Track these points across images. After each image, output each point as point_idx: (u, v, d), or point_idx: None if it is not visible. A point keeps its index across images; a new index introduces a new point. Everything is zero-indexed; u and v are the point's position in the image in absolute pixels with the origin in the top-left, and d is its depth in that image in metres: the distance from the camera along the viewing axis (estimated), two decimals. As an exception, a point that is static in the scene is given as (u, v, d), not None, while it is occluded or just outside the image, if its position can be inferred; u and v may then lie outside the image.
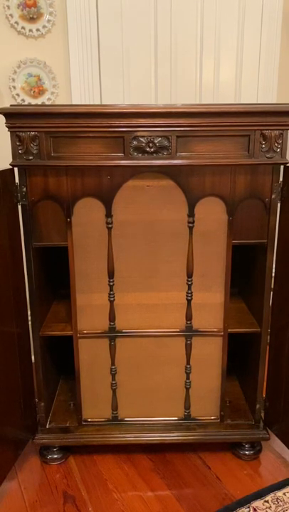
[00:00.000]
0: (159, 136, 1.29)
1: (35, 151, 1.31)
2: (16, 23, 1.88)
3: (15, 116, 1.28)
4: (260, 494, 1.44)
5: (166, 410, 1.60)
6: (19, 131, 1.29)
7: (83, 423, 1.60)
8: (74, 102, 2.00)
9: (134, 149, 1.30)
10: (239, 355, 1.80)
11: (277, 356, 1.54)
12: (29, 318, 1.51)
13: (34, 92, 1.96)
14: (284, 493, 1.45)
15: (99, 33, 1.99)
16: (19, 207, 1.39)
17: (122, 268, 1.45)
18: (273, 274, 1.49)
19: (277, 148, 1.32)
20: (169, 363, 1.55)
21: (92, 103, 2.02)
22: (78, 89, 1.99)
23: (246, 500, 1.42)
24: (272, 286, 1.50)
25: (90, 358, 1.54)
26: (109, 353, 1.53)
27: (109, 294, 1.47)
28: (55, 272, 1.73)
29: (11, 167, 1.35)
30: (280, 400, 1.55)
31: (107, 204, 1.38)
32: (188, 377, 1.56)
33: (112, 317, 1.50)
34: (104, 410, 1.60)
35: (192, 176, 1.36)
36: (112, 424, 1.60)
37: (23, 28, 1.89)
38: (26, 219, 1.39)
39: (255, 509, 1.39)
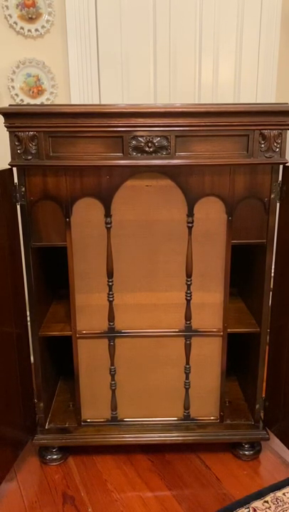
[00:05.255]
0: (158, 136, 1.29)
1: (34, 151, 1.30)
2: (15, 23, 1.88)
3: (14, 116, 1.27)
4: (259, 494, 1.44)
5: (166, 410, 1.60)
6: (18, 131, 1.28)
7: (82, 423, 1.60)
8: (73, 102, 2.00)
9: (133, 149, 1.30)
10: (239, 355, 1.79)
11: (277, 356, 1.54)
12: (28, 318, 1.51)
13: (33, 92, 1.96)
14: (284, 494, 1.44)
15: (98, 33, 1.99)
16: (18, 207, 1.39)
17: (121, 268, 1.45)
18: (272, 274, 1.49)
19: (276, 147, 1.32)
20: (169, 363, 1.54)
21: (91, 103, 2.02)
22: (77, 89, 1.99)
23: (246, 501, 1.42)
24: (272, 286, 1.50)
25: (89, 358, 1.54)
26: (109, 353, 1.53)
27: (109, 294, 1.47)
28: (55, 272, 1.73)
29: (9, 167, 1.35)
30: (279, 400, 1.55)
31: (106, 204, 1.38)
32: (187, 378, 1.56)
33: (111, 317, 1.50)
34: (104, 411, 1.59)
35: (191, 175, 1.36)
36: (112, 424, 1.60)
37: (21, 28, 1.89)
38: (25, 219, 1.39)
39: (254, 509, 1.39)
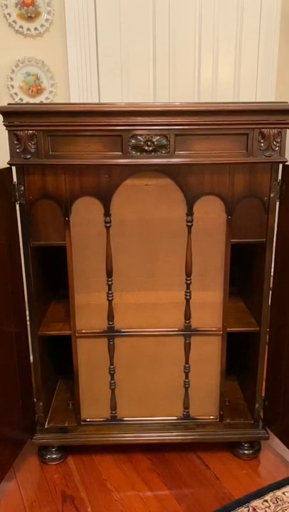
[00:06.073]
0: (157, 135, 1.29)
1: (33, 150, 1.30)
2: (14, 22, 1.88)
3: (13, 115, 1.27)
4: (259, 494, 1.44)
5: (165, 410, 1.60)
6: (17, 130, 1.28)
7: (82, 423, 1.60)
8: (72, 101, 1.99)
9: (133, 148, 1.30)
10: (238, 354, 1.79)
11: (277, 355, 1.54)
12: (27, 317, 1.51)
13: (32, 91, 1.96)
14: (283, 493, 1.44)
15: (97, 32, 1.99)
16: (17, 206, 1.38)
17: (120, 267, 1.45)
18: (272, 273, 1.49)
19: (276, 146, 1.32)
20: (168, 362, 1.54)
21: (90, 102, 2.02)
22: (76, 88, 1.99)
23: (245, 500, 1.41)
24: (271, 285, 1.50)
25: (89, 357, 1.53)
26: (108, 352, 1.53)
27: (108, 294, 1.47)
28: (54, 272, 1.73)
29: (8, 166, 1.35)
30: (279, 399, 1.54)
31: (106, 203, 1.38)
32: (187, 377, 1.56)
33: (110, 316, 1.49)
34: (103, 410, 1.59)
35: (191, 174, 1.35)
36: (111, 423, 1.59)
37: (21, 27, 1.89)
38: (24, 218, 1.38)
39: (254, 509, 1.39)
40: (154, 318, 1.50)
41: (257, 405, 1.59)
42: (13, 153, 1.31)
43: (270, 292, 1.49)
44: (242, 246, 1.51)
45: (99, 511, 1.40)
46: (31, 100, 1.96)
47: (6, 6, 1.86)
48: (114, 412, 1.59)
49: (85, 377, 1.56)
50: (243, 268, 1.70)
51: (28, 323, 1.52)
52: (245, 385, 1.75)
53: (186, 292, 1.47)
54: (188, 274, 1.45)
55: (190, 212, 1.39)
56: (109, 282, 1.46)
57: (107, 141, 1.30)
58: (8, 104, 1.32)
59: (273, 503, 1.40)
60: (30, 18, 1.89)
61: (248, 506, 1.39)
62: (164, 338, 1.52)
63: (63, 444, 1.59)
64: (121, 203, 1.38)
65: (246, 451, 1.61)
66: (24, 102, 1.95)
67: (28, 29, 1.90)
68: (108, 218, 1.39)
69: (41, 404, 1.57)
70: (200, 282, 1.47)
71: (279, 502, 1.41)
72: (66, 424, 1.60)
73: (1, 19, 1.88)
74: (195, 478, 1.53)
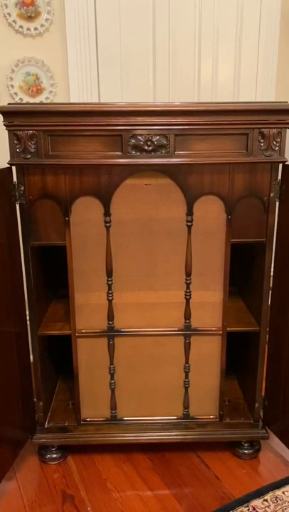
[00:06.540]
0: (157, 135, 1.29)
1: (33, 150, 1.30)
2: (14, 21, 1.88)
3: (13, 115, 1.27)
4: (259, 493, 1.44)
5: (165, 409, 1.60)
6: (17, 130, 1.28)
7: (82, 422, 1.60)
8: (72, 101, 1.99)
9: (133, 148, 1.30)
10: (238, 354, 1.79)
11: (276, 355, 1.54)
12: (27, 317, 1.51)
13: (32, 91, 1.96)
14: (283, 492, 1.44)
15: (97, 32, 1.99)
16: (17, 206, 1.38)
17: (120, 267, 1.45)
18: (272, 273, 1.49)
19: (276, 146, 1.32)
20: (168, 362, 1.54)
21: (90, 102, 2.02)
22: (76, 88, 1.99)
23: (245, 500, 1.42)
24: (271, 285, 1.50)
25: (89, 357, 1.54)
26: (108, 352, 1.53)
27: (108, 293, 1.47)
28: (54, 271, 1.73)
29: (8, 166, 1.35)
30: (279, 399, 1.55)
31: (106, 203, 1.38)
32: (187, 377, 1.56)
33: (110, 316, 1.50)
34: (103, 410, 1.59)
35: (191, 174, 1.35)
36: (111, 423, 1.60)
37: (20, 26, 1.89)
38: (24, 218, 1.39)
39: (254, 508, 1.39)
40: (154, 318, 1.50)
41: (257, 405, 1.59)
42: (13, 153, 1.31)
43: (270, 292, 1.50)
44: (242, 246, 1.51)
45: (99, 511, 1.40)
46: (31, 100, 1.96)
47: (6, 5, 1.86)
48: (114, 411, 1.59)
49: (84, 377, 1.56)
50: (243, 268, 1.70)
51: (28, 322, 1.52)
52: (245, 384, 1.75)
53: (186, 292, 1.48)
54: (188, 273, 1.46)
55: (190, 212, 1.39)
56: (109, 282, 1.46)
57: (107, 141, 1.30)
58: (8, 104, 1.32)
59: (273, 502, 1.41)
60: (30, 18, 1.89)
61: (247, 506, 1.39)
62: (164, 338, 1.52)
63: (63, 443, 1.59)
64: (121, 202, 1.38)
65: (246, 451, 1.61)
66: (24, 101, 1.95)
67: (28, 29, 1.90)
68: (108, 218, 1.39)
69: (41, 404, 1.57)
70: (200, 282, 1.47)
71: (279, 501, 1.41)
72: (66, 424, 1.61)
73: (0, 19, 1.88)
74: (195, 477, 1.53)
